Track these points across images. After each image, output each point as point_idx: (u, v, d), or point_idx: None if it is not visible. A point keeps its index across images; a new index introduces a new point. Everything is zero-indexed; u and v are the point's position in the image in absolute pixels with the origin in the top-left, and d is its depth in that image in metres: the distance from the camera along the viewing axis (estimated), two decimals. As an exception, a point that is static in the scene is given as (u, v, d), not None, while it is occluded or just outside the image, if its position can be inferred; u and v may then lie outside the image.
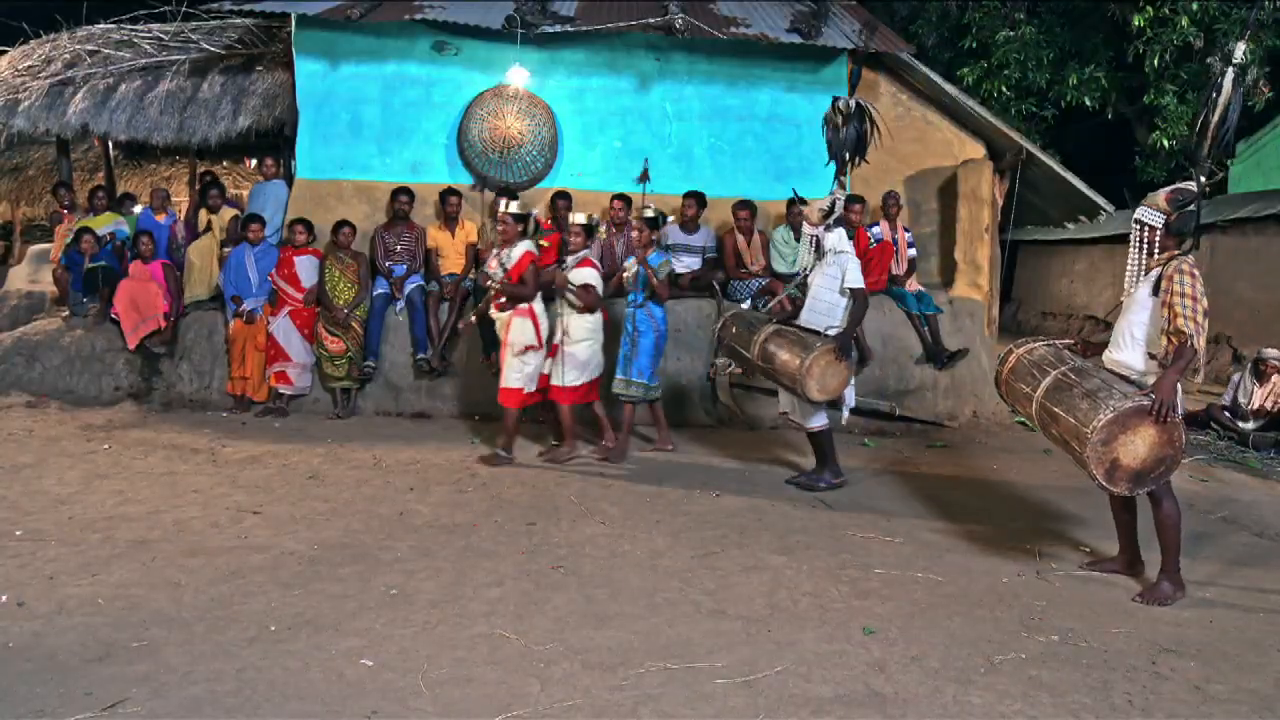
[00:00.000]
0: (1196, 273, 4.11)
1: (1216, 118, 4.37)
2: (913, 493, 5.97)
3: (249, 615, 3.78)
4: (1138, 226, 4.32)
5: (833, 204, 5.79)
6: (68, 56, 8.78)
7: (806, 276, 6.03)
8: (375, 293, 7.76)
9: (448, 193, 8.02)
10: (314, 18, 7.93)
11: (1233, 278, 12.00)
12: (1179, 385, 4.07)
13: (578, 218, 6.60)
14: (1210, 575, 4.59)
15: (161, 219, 8.64)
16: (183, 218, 9.23)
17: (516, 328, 6.27)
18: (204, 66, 8.78)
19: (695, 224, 8.12)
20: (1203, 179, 4.36)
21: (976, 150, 8.88)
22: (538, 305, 6.34)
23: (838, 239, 5.85)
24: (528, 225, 6.59)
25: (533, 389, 6.37)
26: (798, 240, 8.01)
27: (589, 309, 6.36)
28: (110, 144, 10.15)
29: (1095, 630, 3.84)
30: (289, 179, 8.58)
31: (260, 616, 3.77)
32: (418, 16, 7.93)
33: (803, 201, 6.35)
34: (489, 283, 6.39)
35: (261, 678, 3.26)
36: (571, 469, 6.26)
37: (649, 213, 6.88)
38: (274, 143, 9.20)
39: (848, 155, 6.00)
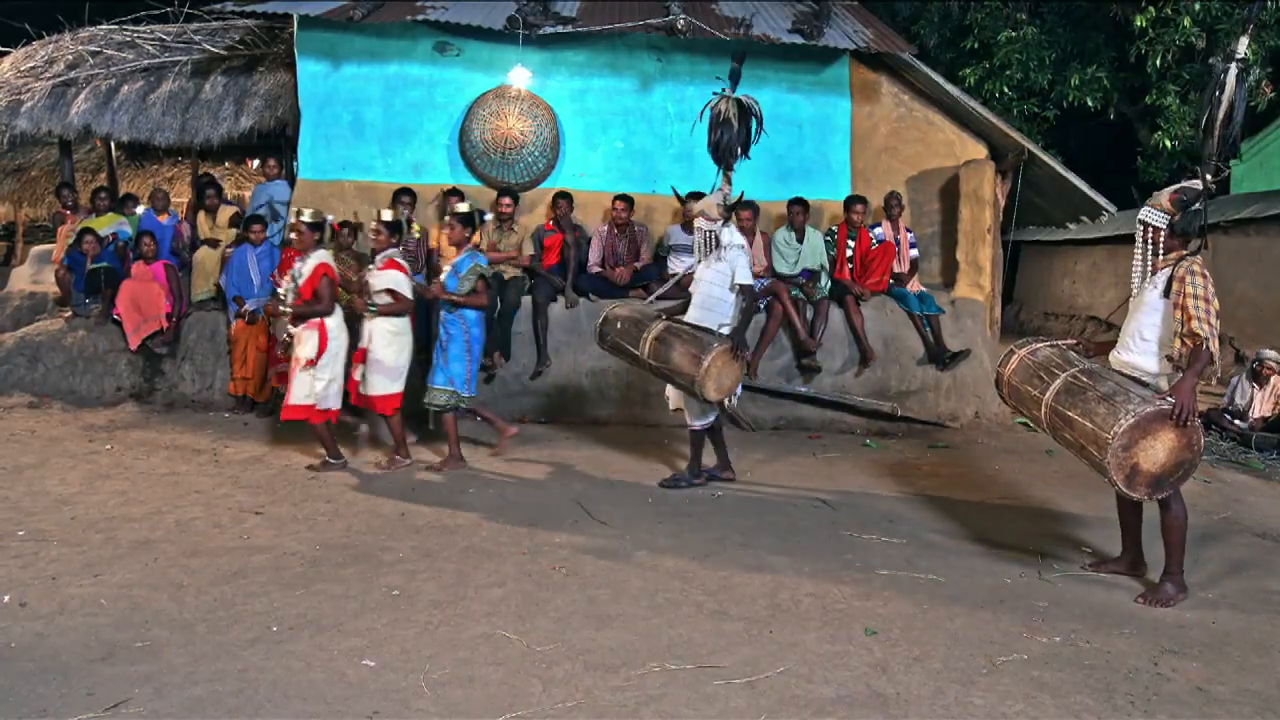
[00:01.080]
0: (1207, 274, 4.09)
1: (1221, 115, 4.32)
2: (915, 494, 5.97)
3: (251, 616, 3.78)
4: (1141, 227, 4.29)
5: (724, 198, 5.72)
6: (70, 57, 8.80)
7: (692, 271, 5.95)
8: (377, 293, 7.75)
9: (449, 193, 8.03)
10: (316, 18, 7.93)
11: (1235, 278, 11.98)
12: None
13: (384, 214, 6.28)
14: (1213, 576, 4.59)
15: (164, 220, 8.65)
16: (184, 217, 9.24)
17: (305, 340, 5.96)
18: (206, 67, 8.80)
19: (697, 225, 8.10)
20: (1208, 177, 4.30)
21: (978, 151, 8.88)
22: (331, 320, 6.01)
23: (731, 234, 5.78)
24: (324, 235, 6.26)
25: (333, 405, 6.04)
26: (799, 241, 8.03)
27: (395, 313, 6.08)
28: (112, 145, 10.17)
29: (1098, 631, 3.84)
30: (291, 180, 8.59)
31: (262, 617, 3.77)
32: (419, 17, 7.94)
33: (683, 198, 6.26)
34: (279, 306, 6.06)
35: (263, 678, 3.26)
36: (573, 470, 6.26)
37: (462, 207, 6.44)
38: (276, 143, 9.22)
39: (736, 151, 5.86)
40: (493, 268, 7.96)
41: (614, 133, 8.57)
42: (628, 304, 6.20)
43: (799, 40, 8.12)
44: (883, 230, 8.19)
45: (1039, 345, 4.68)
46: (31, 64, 8.78)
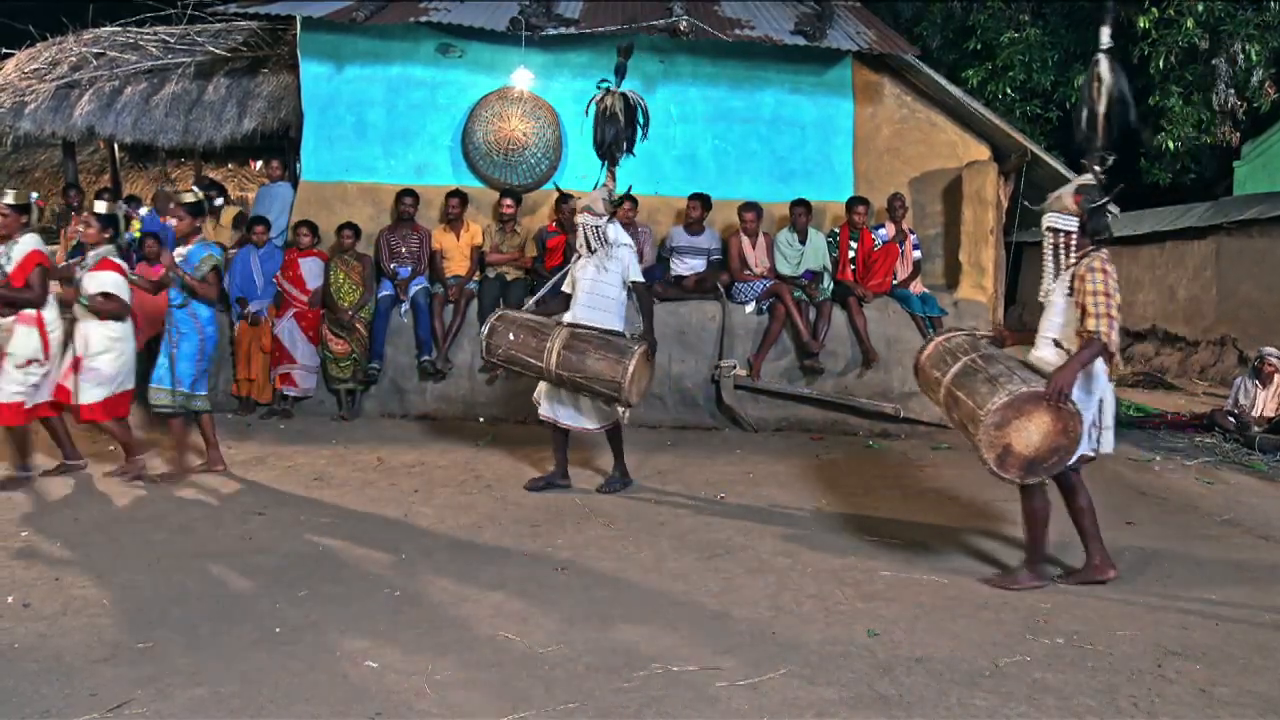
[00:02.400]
0: (1109, 268, 4.13)
1: (1103, 106, 4.37)
2: (917, 495, 5.96)
3: (254, 617, 3.78)
4: (1050, 234, 4.30)
5: (609, 193, 5.63)
6: (74, 59, 8.81)
7: (569, 269, 5.79)
8: (380, 295, 7.77)
9: (452, 195, 8.04)
10: (319, 20, 7.94)
11: (1238, 280, 11.97)
12: (1104, 377, 4.17)
13: (98, 206, 5.81)
14: (1215, 578, 4.58)
15: (166, 221, 8.65)
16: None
17: (20, 337, 5.45)
18: (209, 69, 8.81)
19: (700, 226, 8.11)
20: (1096, 169, 4.39)
21: (981, 152, 8.87)
22: (48, 313, 5.57)
23: (618, 231, 5.67)
24: (31, 218, 5.66)
25: (44, 398, 5.64)
26: (802, 243, 8.03)
27: (113, 317, 5.64)
28: (116, 146, 10.18)
29: (1100, 633, 3.83)
30: (294, 181, 8.60)
31: (265, 618, 3.77)
32: (423, 19, 7.95)
33: (568, 196, 6.16)
34: None
35: (266, 679, 3.26)
36: (571, 475, 6.25)
37: (188, 197, 5.97)
38: (279, 145, 9.23)
39: (623, 146, 5.77)
40: (495, 269, 8.00)
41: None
42: (506, 314, 5.75)
43: (801, 42, 8.12)
44: (885, 231, 8.19)
45: (956, 333, 4.72)
46: (35, 66, 8.79)
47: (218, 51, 8.89)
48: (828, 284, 8.04)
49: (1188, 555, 4.91)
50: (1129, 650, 3.68)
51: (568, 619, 3.85)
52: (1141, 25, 12.70)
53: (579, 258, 5.68)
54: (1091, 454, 4.30)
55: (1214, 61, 12.80)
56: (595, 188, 5.73)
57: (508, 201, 8.01)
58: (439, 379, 7.83)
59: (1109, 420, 4.32)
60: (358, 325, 7.63)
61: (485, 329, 5.68)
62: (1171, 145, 13.51)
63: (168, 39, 9.04)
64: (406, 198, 7.97)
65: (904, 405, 7.89)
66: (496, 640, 3.63)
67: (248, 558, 4.45)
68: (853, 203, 8.13)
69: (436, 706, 3.11)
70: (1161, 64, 12.83)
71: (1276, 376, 8.13)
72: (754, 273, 7.97)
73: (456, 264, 7.99)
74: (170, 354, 5.79)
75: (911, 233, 8.37)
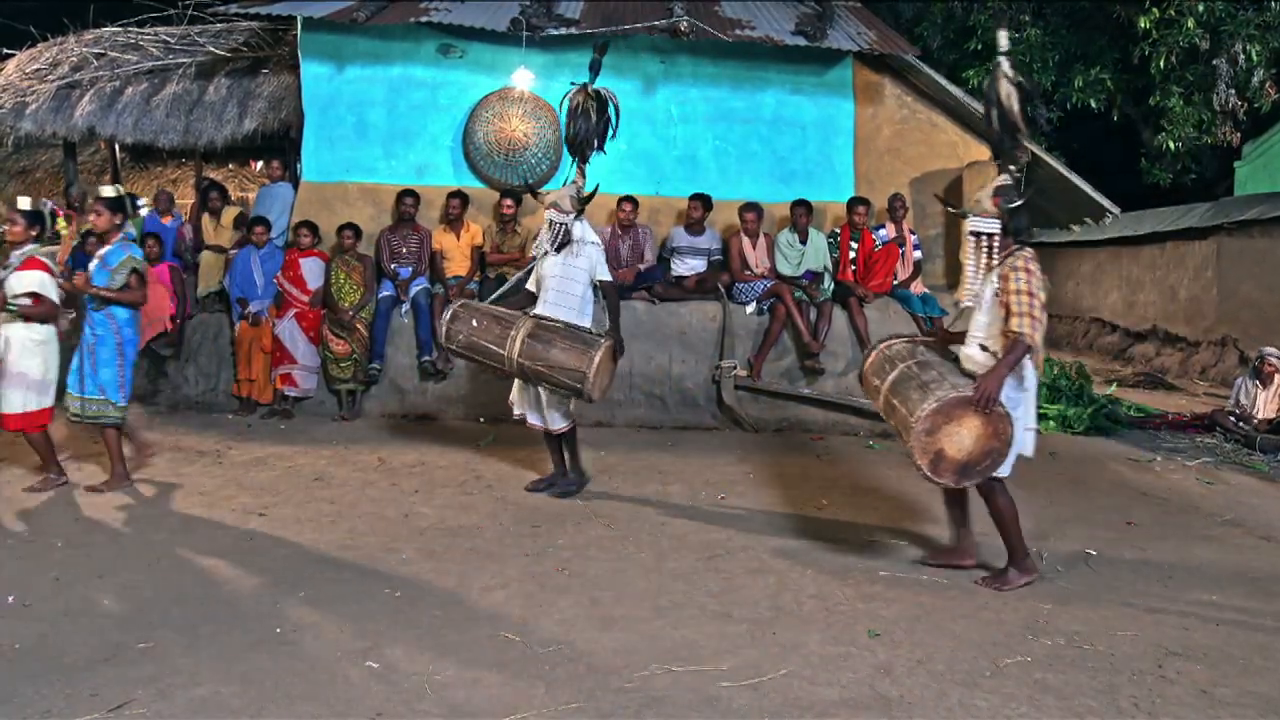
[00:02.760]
0: (1033, 267, 4.16)
1: (1003, 107, 4.42)
2: (918, 495, 5.96)
3: (254, 617, 3.79)
4: (974, 238, 4.33)
5: (577, 191, 5.58)
6: (74, 60, 8.81)
7: (534, 264, 5.72)
8: (380, 295, 7.77)
9: (452, 195, 8.04)
10: (320, 20, 7.94)
11: (1239, 280, 11.97)
12: (1034, 376, 4.22)
13: (21, 202, 5.54)
14: (1217, 579, 4.58)
15: (167, 221, 8.66)
16: (187, 219, 9.26)
17: None
18: (210, 69, 8.81)
19: (701, 226, 8.12)
20: (1012, 168, 4.44)
21: (982, 152, 8.84)
22: None
23: (584, 229, 5.64)
24: (44, 225, 5.56)
25: None
26: (803, 243, 8.03)
27: (40, 319, 5.37)
28: (117, 146, 10.18)
29: (1101, 633, 3.83)
30: (295, 181, 8.60)
31: (266, 619, 3.77)
32: (423, 19, 7.94)
33: (535, 193, 6.11)
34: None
35: (267, 680, 3.26)
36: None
37: (108, 191, 5.64)
38: (280, 145, 9.22)
39: (593, 144, 5.72)
40: (495, 269, 8.00)
41: (617, 134, 8.54)
42: (469, 302, 5.66)
43: (802, 42, 8.11)
44: (886, 232, 8.19)
45: (896, 340, 4.77)
46: (36, 66, 8.79)
47: (218, 52, 8.89)
48: (828, 284, 8.04)
49: (1189, 556, 4.91)
50: (1130, 651, 3.68)
51: (569, 619, 3.85)
52: (1142, 25, 12.71)
53: (545, 255, 5.60)
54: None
55: (1215, 62, 12.80)
56: (565, 184, 5.66)
57: (508, 202, 8.01)
58: (440, 379, 7.83)
59: (1032, 422, 4.39)
60: (358, 326, 7.63)
61: (446, 315, 5.53)
62: (1172, 145, 13.52)
63: (168, 39, 9.04)
64: (407, 198, 7.97)
65: (905, 406, 7.88)
66: (497, 640, 3.63)
67: (248, 558, 4.45)
68: (853, 203, 8.13)
69: (437, 707, 3.11)
70: (1162, 64, 12.84)
71: (1277, 377, 8.12)
72: (755, 273, 7.97)
73: (457, 264, 7.99)
74: (88, 359, 5.46)
75: (912, 233, 8.36)
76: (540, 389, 5.51)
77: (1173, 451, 7.53)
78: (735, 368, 7.75)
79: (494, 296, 5.96)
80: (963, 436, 4.05)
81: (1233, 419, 8.10)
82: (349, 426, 7.46)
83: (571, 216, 5.52)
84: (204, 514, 5.11)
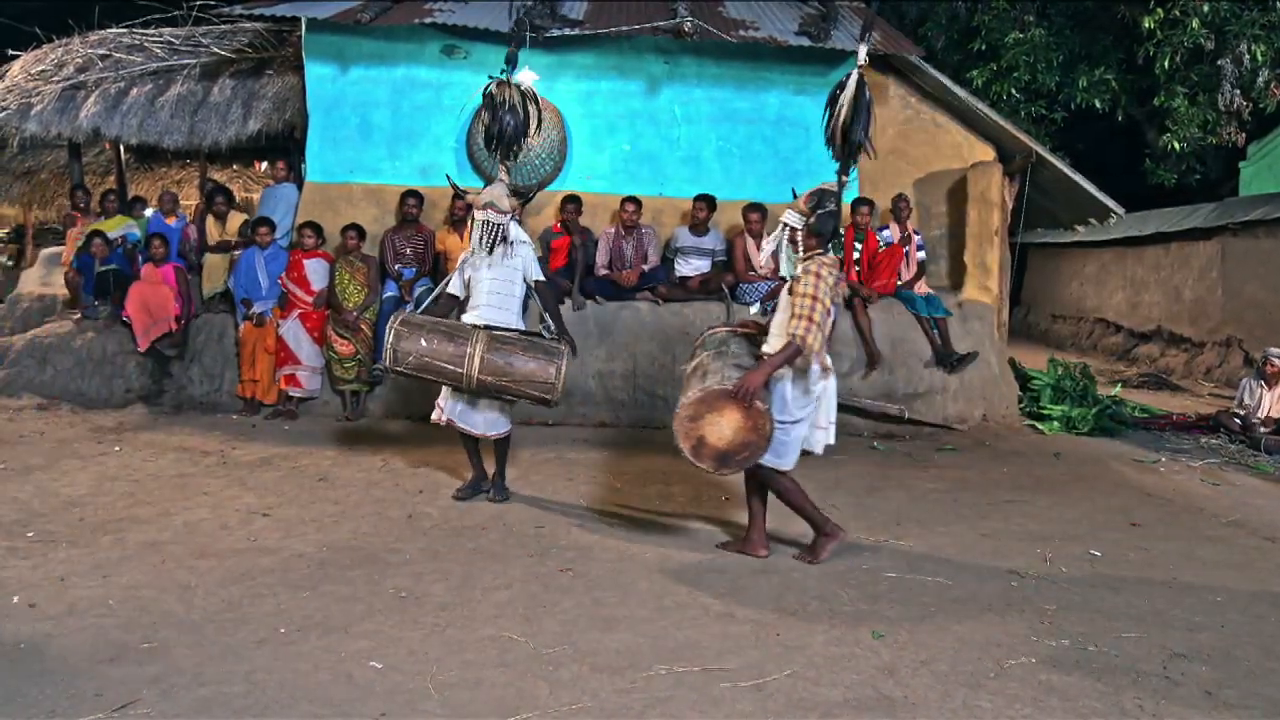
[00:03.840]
0: (824, 273, 4.31)
1: (842, 120, 4.69)
2: (922, 496, 5.95)
3: (258, 617, 3.79)
4: (782, 227, 4.54)
5: (514, 189, 5.51)
6: (79, 61, 8.83)
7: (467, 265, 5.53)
8: (385, 295, 7.78)
9: (457, 196, 8.04)
10: (324, 21, 7.96)
11: (1243, 280, 11.94)
12: (821, 379, 4.41)
13: None
14: (1220, 579, 4.57)
15: (171, 222, 8.68)
16: (192, 220, 9.28)
17: None
18: (214, 70, 8.83)
19: (705, 227, 8.12)
20: (844, 178, 4.68)
21: (986, 153, 8.86)
22: None
23: (518, 230, 5.52)
24: None
25: None
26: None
27: None
28: (121, 148, 10.21)
29: (1106, 634, 3.83)
30: (299, 182, 8.61)
31: (270, 618, 3.78)
32: (427, 20, 7.96)
33: (460, 190, 6.04)
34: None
35: (271, 679, 3.27)
36: (577, 472, 6.25)
37: None
38: (284, 146, 9.24)
39: (521, 139, 5.59)
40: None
41: (621, 135, 8.58)
42: (409, 318, 5.32)
43: (806, 43, 8.12)
44: (890, 232, 8.18)
45: (717, 329, 4.92)
46: (41, 67, 8.82)
47: (223, 53, 8.91)
48: (832, 285, 8.02)
49: (1193, 557, 4.90)
50: (1135, 652, 3.68)
51: (572, 619, 3.85)
52: (1146, 26, 12.68)
53: (473, 255, 5.44)
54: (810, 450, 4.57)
55: (1219, 62, 12.77)
56: (494, 183, 5.49)
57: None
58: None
59: (825, 421, 4.55)
60: (362, 326, 7.64)
61: (390, 335, 5.18)
62: (1177, 146, 13.49)
63: (173, 40, 9.06)
64: (411, 199, 7.98)
65: (909, 406, 7.88)
66: (501, 640, 3.63)
67: (252, 558, 4.46)
68: (857, 204, 8.13)
69: (441, 707, 3.11)
70: (1167, 64, 12.81)
71: (1283, 377, 8.10)
72: (759, 273, 7.97)
73: (461, 265, 7.99)
74: None
75: (916, 234, 8.36)
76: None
77: (1177, 452, 7.52)
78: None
79: (423, 307, 5.74)
80: (723, 426, 4.25)
81: (1237, 420, 8.09)
82: (353, 427, 7.47)
83: (509, 216, 5.39)
84: (208, 514, 5.11)
